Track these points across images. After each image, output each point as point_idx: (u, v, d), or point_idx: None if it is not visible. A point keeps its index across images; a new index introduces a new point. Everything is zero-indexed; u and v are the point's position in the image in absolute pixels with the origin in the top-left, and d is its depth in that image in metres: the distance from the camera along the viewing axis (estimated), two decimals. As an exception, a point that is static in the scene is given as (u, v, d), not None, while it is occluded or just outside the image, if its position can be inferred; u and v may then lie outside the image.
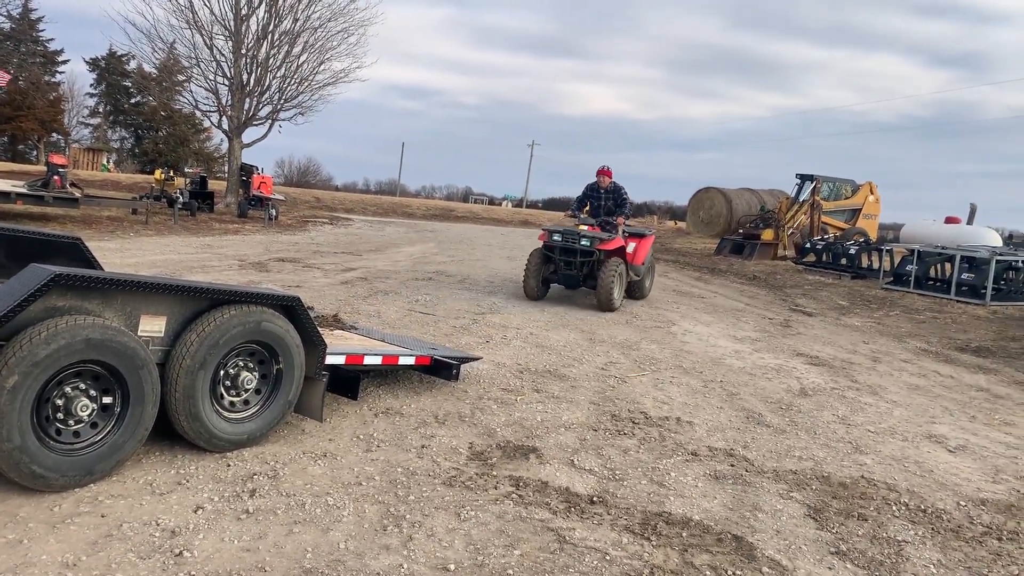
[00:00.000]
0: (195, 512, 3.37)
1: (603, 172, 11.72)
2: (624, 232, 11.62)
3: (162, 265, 11.27)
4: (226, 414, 4.08)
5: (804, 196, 25.36)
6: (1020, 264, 15.80)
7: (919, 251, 16.70)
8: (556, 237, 10.93)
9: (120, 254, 12.15)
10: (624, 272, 11.16)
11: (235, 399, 4.15)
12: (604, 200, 11.73)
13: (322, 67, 27.37)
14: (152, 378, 3.65)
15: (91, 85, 61.32)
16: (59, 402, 3.42)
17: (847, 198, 27.79)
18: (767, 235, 23.75)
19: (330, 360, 4.63)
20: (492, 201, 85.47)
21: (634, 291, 12.11)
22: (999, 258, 15.22)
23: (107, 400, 3.57)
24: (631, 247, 11.66)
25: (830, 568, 3.46)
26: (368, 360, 5.10)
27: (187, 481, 3.69)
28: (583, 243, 10.74)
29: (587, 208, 11.86)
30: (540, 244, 11.31)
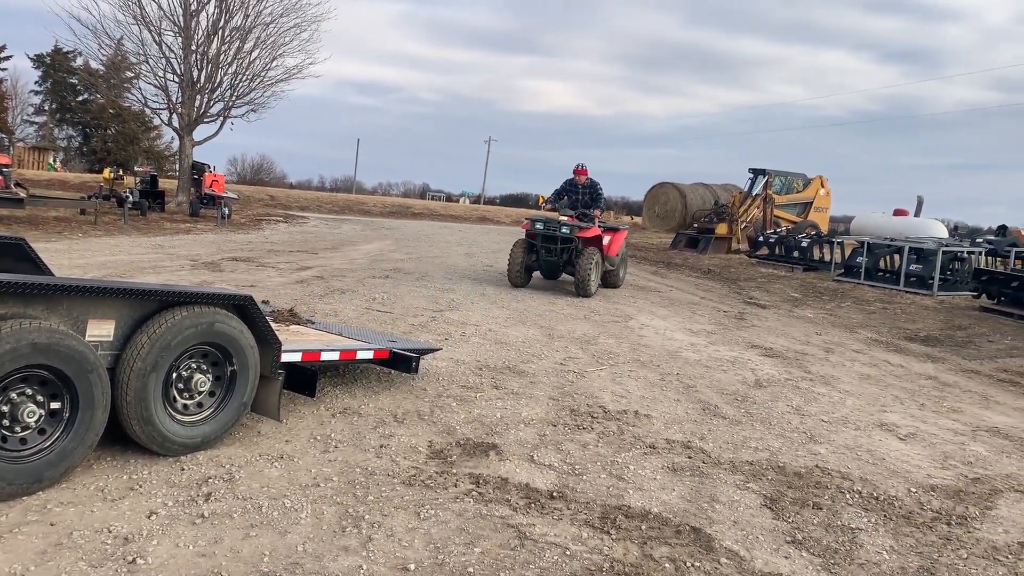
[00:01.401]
0: (148, 518, 3.31)
1: (579, 171, 12.88)
2: (600, 225, 12.60)
3: (112, 266, 11.03)
4: (179, 417, 4.01)
5: (757, 190, 25.75)
6: (965, 255, 16.21)
7: (869, 243, 17.06)
8: (539, 225, 12.01)
9: (68, 255, 11.86)
10: (600, 261, 12.22)
11: (188, 402, 4.08)
12: (581, 195, 12.81)
13: (274, 63, 26.98)
14: (102, 382, 3.57)
15: (36, 82, 59.72)
16: (5, 408, 3.32)
17: (799, 192, 28.24)
18: (721, 229, 24.05)
19: (286, 358, 4.57)
20: (450, 198, 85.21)
21: (609, 280, 13.14)
22: (945, 249, 15.60)
23: (55, 405, 3.48)
24: (606, 240, 12.57)
25: (787, 557, 3.51)
26: (325, 356, 5.04)
27: (140, 486, 3.61)
28: (564, 231, 11.78)
29: (564, 200, 12.80)
30: (514, 239, 12.42)
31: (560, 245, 11.89)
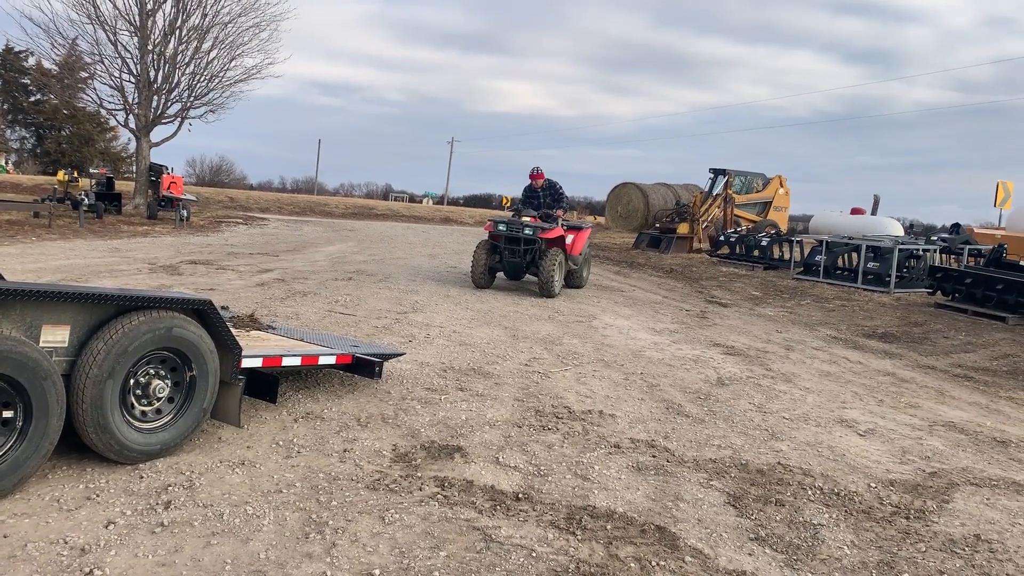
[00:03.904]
0: (106, 528, 3.24)
1: (535, 176, 13.02)
2: (563, 224, 12.67)
3: (67, 271, 10.81)
4: (137, 424, 3.93)
5: (717, 190, 26.01)
6: (920, 252, 16.54)
7: (827, 242, 17.31)
8: (501, 227, 12.04)
9: (21, 259, 11.60)
10: (564, 261, 12.29)
11: (147, 408, 4.00)
12: (542, 198, 12.96)
13: (233, 63, 26.66)
14: (57, 389, 3.49)
15: (-14, 82, 58.34)
16: (-46, 418, 3.23)
17: (758, 191, 28.59)
18: (683, 229, 24.24)
19: (247, 363, 4.51)
20: (413, 199, 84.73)
21: (572, 280, 13.17)
22: (901, 247, 15.89)
23: (8, 414, 3.39)
24: (570, 239, 12.64)
25: (750, 554, 3.54)
26: (286, 361, 4.98)
27: (97, 496, 3.54)
28: (526, 232, 11.83)
29: (527, 210, 12.87)
30: (478, 240, 12.46)
31: (523, 246, 11.95)
